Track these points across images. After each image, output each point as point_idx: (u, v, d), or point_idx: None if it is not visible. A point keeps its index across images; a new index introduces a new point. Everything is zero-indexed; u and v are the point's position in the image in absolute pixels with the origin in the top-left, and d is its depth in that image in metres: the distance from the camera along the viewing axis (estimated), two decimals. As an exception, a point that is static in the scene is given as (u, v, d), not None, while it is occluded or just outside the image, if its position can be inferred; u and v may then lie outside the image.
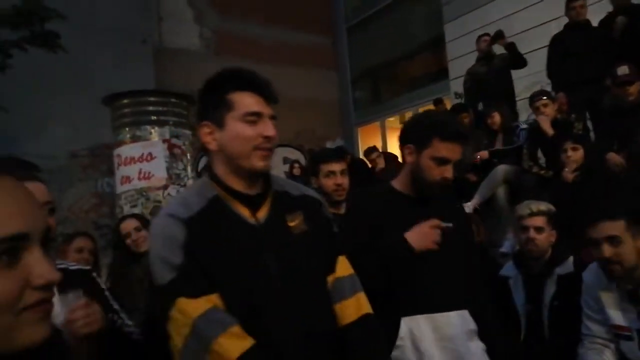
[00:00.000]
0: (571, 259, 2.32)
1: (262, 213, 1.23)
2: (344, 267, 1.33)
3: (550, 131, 3.79)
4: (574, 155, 3.05)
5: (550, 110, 3.97)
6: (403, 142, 1.76)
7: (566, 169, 3.19)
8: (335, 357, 1.24)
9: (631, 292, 1.83)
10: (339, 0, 10.46)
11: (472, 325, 1.67)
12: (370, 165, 5.80)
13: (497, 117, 4.44)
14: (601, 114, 3.99)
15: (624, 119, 3.56)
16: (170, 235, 1.14)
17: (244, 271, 1.15)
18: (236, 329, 1.10)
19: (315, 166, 2.48)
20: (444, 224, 1.59)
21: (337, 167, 2.44)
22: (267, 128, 1.20)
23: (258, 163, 1.19)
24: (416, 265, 1.63)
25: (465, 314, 1.68)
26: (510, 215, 4.05)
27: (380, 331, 1.33)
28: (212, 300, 1.11)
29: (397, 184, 1.78)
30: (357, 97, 10.54)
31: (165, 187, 5.82)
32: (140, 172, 5.78)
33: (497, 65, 5.14)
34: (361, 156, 6.98)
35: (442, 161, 1.63)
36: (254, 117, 1.19)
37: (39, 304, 0.61)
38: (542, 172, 3.82)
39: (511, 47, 5.01)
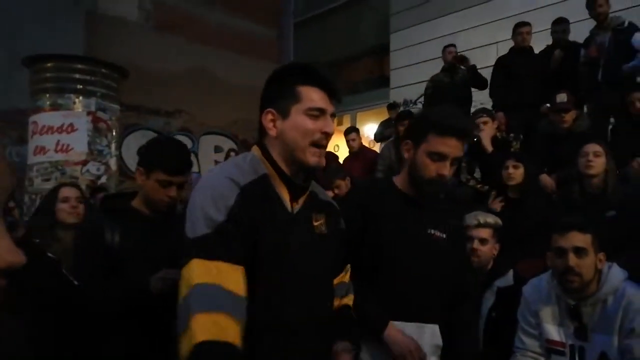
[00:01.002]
0: (511, 272, 2.37)
1: (299, 204, 1.29)
2: (347, 275, 1.47)
3: (489, 148, 3.91)
4: (515, 172, 3.16)
5: (489, 127, 4.10)
6: (403, 138, 1.73)
7: (490, 200, 3.29)
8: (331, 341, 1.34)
9: (573, 308, 1.89)
10: (289, -6, 10.33)
11: (439, 341, 1.64)
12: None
13: None
14: (535, 137, 4.20)
15: (557, 144, 3.76)
16: (222, 194, 1.17)
17: (274, 249, 1.20)
18: (223, 316, 1.08)
19: None
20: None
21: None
22: (328, 125, 1.24)
23: (312, 159, 1.24)
24: (398, 271, 1.59)
25: (435, 328, 1.64)
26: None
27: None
28: (225, 271, 1.11)
29: (398, 180, 1.73)
30: (298, 93, 10.44)
31: (84, 163, 5.41)
32: (57, 144, 5.32)
33: (459, 79, 5.26)
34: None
35: (438, 157, 1.56)
36: (317, 112, 1.23)
37: None
38: (479, 186, 3.94)
39: (473, 69, 5.20)
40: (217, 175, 1.25)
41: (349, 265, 1.47)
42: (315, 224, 1.31)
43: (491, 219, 2.40)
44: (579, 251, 1.87)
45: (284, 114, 1.24)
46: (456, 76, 5.29)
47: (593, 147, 2.91)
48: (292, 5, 10.31)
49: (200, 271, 1.10)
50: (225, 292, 1.09)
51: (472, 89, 5.34)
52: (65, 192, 2.47)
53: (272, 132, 1.25)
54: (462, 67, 5.29)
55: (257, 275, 1.17)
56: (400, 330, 1.55)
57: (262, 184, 1.24)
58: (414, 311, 1.59)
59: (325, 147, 1.27)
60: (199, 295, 1.09)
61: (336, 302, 1.42)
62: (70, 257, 2.04)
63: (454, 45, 5.53)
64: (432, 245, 1.63)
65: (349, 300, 1.48)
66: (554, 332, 1.96)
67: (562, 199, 3.16)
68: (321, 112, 1.24)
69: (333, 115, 1.28)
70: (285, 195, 1.27)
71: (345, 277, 1.46)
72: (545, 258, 2.02)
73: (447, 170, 1.57)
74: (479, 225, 2.36)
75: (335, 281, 1.41)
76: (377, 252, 1.61)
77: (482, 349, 2.29)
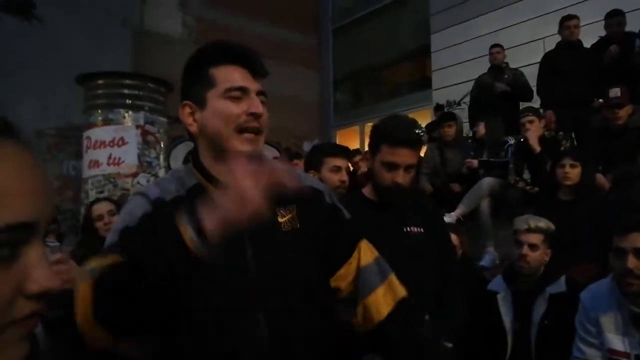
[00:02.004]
0: (563, 278, 2.26)
1: None
2: (367, 254, 1.19)
3: (537, 148, 3.77)
4: (572, 172, 3.01)
5: (535, 127, 3.95)
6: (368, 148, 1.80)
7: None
8: None
9: (637, 315, 1.78)
10: (327, 1, 10.37)
11: None
12: (352, 168, 5.69)
13: (481, 128, 4.42)
14: (588, 134, 4.01)
15: (611, 141, 3.58)
16: (131, 208, 1.06)
17: (218, 272, 0.96)
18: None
19: (319, 159, 2.35)
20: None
21: (343, 163, 2.36)
22: (254, 104, 1.04)
23: (242, 146, 1.03)
24: None
25: None
26: (492, 228, 4.04)
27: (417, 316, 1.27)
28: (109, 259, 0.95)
29: (366, 190, 1.82)
30: (338, 99, 10.44)
31: (135, 175, 5.59)
32: (110, 157, 5.54)
33: (506, 81, 5.04)
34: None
35: (390, 166, 1.64)
36: (237, 93, 1.04)
37: (28, 318, 0.44)
38: (528, 187, 3.80)
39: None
40: (131, 196, 1.15)
41: (364, 243, 1.20)
42: (281, 220, 1.09)
43: (543, 223, 2.30)
44: None
45: (201, 103, 1.06)
46: (502, 77, 5.12)
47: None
48: (330, 11, 10.34)
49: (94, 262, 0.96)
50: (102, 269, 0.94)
51: None
52: (97, 209, 2.57)
53: (193, 128, 1.08)
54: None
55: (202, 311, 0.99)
56: None
57: (193, 198, 0.99)
58: None
59: (258, 130, 1.05)
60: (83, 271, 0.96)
61: (371, 298, 1.15)
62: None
63: (500, 45, 5.33)
64: (411, 241, 1.67)
65: (401, 290, 1.19)
66: (617, 341, 1.85)
67: (620, 200, 2.99)
68: (243, 91, 1.04)
69: (262, 94, 1.08)
70: None
71: (366, 257, 1.18)
72: (602, 262, 1.93)
73: (400, 177, 1.63)
74: (529, 230, 2.27)
75: (350, 269, 1.15)
76: None
77: (535, 357, 2.20)
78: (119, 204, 2.79)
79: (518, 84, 4.95)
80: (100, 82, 5.64)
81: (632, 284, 1.77)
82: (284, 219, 1.09)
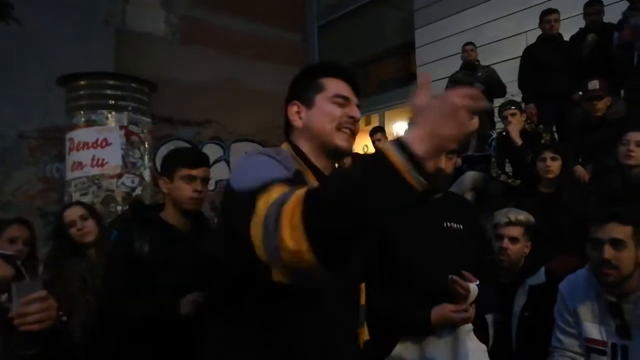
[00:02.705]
0: (543, 269, 2.28)
1: None
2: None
3: (518, 141, 3.80)
4: (553, 165, 3.03)
5: (517, 120, 3.98)
6: None
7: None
8: None
9: (613, 305, 1.80)
10: (311, -2, 10.35)
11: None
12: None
13: (475, 120, 4.41)
14: (568, 127, 4.05)
15: (590, 133, 3.62)
16: (282, 158, 1.12)
17: None
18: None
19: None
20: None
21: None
22: (354, 110, 1.25)
23: (341, 142, 1.22)
24: (420, 269, 1.63)
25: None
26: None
27: None
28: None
29: None
30: (325, 96, 10.44)
31: (119, 176, 5.55)
32: (93, 159, 5.49)
33: (480, 78, 5.12)
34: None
35: None
36: (342, 100, 1.24)
37: None
38: (510, 180, 3.83)
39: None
40: (262, 154, 1.13)
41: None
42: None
43: (522, 216, 2.31)
44: (617, 243, 1.78)
45: (309, 103, 1.25)
46: (476, 74, 5.17)
47: (635, 136, 2.79)
48: (315, 8, 10.32)
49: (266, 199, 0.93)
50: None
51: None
52: (69, 215, 2.46)
53: (298, 124, 1.25)
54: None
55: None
56: None
57: (297, 180, 1.11)
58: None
59: (354, 132, 1.25)
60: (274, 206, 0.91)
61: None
62: (96, 273, 2.09)
63: (472, 44, 5.38)
64: (450, 237, 1.69)
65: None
66: (594, 330, 1.87)
67: (600, 191, 3.02)
68: (346, 99, 1.25)
69: (358, 107, 1.28)
70: None
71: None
72: (582, 254, 1.95)
73: (443, 163, 1.67)
74: (509, 223, 2.28)
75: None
76: (397, 256, 1.63)
77: (515, 348, 2.22)
78: (91, 207, 2.72)
79: (492, 81, 5.05)
80: (82, 83, 5.58)
81: (609, 274, 1.78)
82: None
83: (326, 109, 1.23)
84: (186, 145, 8.08)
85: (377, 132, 5.44)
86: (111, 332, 1.85)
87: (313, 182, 1.20)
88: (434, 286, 1.62)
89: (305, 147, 1.25)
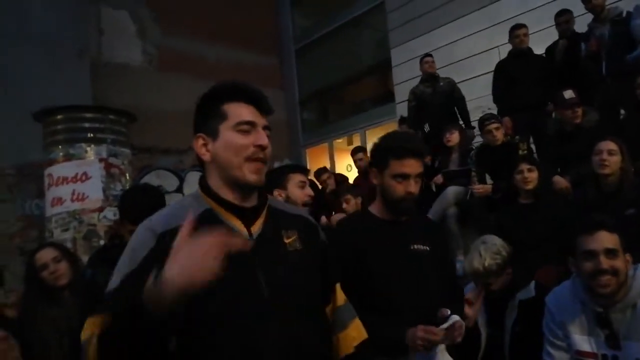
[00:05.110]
0: (533, 283, 2.29)
1: (257, 227, 1.19)
2: (341, 295, 1.34)
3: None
4: (530, 176, 3.07)
5: (500, 133, 4.06)
6: (370, 165, 1.88)
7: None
8: None
9: (601, 315, 1.80)
10: (286, 21, 10.45)
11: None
12: (320, 187, 5.68)
13: (456, 135, 4.47)
14: (544, 137, 4.12)
15: (566, 143, 3.69)
16: (135, 248, 1.11)
17: (232, 286, 1.06)
18: None
19: (283, 176, 2.37)
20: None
21: (305, 178, 2.41)
22: (260, 137, 1.18)
23: (250, 176, 1.16)
24: (391, 291, 1.67)
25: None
26: (460, 237, 4.08)
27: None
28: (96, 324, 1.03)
29: (373, 208, 1.86)
30: (305, 118, 10.48)
31: (100, 210, 5.45)
32: (73, 193, 5.39)
33: (441, 88, 5.24)
34: (311, 177, 6.86)
35: (402, 177, 1.72)
36: (247, 127, 1.17)
37: None
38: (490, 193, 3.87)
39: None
40: (139, 228, 1.17)
41: (338, 285, 1.34)
42: (287, 241, 1.22)
43: (499, 257, 2.26)
44: (611, 253, 1.76)
45: (214, 135, 1.18)
46: (437, 85, 5.28)
47: (607, 145, 2.81)
48: (291, 32, 10.43)
49: (89, 327, 1.04)
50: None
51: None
52: (40, 258, 2.37)
53: (206, 157, 1.19)
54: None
55: (220, 315, 1.07)
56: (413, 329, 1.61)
57: (204, 223, 1.06)
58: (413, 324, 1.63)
59: (263, 160, 1.18)
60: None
61: (342, 335, 1.31)
62: (71, 314, 2.05)
63: (430, 55, 5.51)
64: (417, 259, 1.74)
65: (364, 331, 1.35)
66: (583, 342, 1.86)
67: (577, 200, 3.07)
68: (251, 125, 1.17)
69: (267, 129, 1.21)
70: (235, 223, 1.16)
71: (340, 299, 1.33)
72: (567, 263, 1.94)
73: (412, 187, 1.72)
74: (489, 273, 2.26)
75: (329, 308, 1.30)
76: (370, 280, 1.68)
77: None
78: (65, 248, 2.62)
79: (455, 92, 5.23)
80: (59, 117, 5.50)
81: (609, 284, 1.75)
82: (290, 240, 1.23)
83: (231, 141, 1.16)
84: (168, 174, 8.06)
85: (359, 152, 5.47)
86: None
87: (227, 217, 1.16)
88: (402, 307, 1.66)
89: (215, 181, 1.19)
